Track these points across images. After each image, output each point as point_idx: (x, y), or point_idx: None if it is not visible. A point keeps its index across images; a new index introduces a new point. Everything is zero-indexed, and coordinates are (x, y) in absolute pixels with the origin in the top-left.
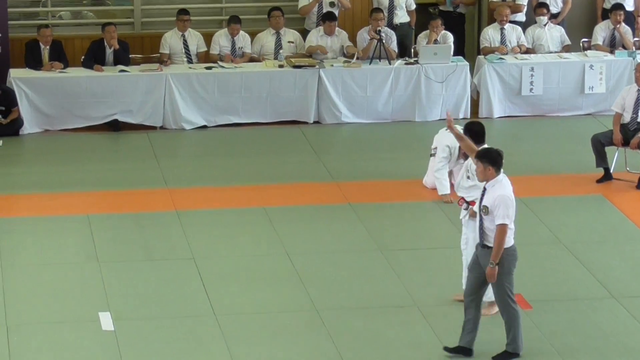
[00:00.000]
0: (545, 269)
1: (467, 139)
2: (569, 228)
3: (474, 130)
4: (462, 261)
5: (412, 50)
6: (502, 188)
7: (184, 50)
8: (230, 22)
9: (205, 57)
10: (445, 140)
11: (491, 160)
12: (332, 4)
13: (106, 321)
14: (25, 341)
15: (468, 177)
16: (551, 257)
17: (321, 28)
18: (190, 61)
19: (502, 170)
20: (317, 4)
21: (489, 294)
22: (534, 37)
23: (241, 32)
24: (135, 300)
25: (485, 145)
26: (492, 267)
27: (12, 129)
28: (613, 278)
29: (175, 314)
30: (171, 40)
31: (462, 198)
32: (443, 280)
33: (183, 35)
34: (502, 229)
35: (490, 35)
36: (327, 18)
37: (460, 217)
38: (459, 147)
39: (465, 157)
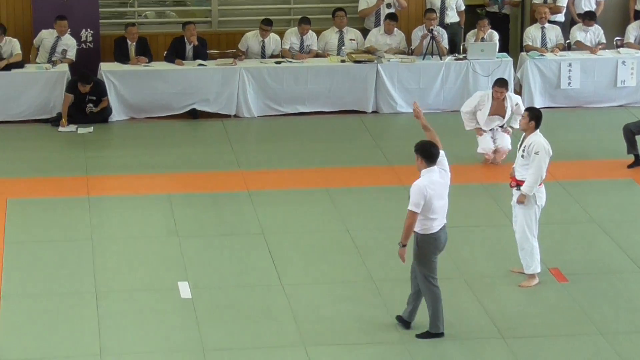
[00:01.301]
0: (581, 245)
1: (432, 131)
2: (602, 209)
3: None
4: (515, 239)
5: (461, 47)
6: (422, 179)
7: (260, 52)
8: (301, 22)
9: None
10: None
11: (422, 152)
12: (388, 5)
13: (184, 290)
14: (112, 306)
15: (522, 157)
16: (586, 235)
17: (382, 27)
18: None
19: (435, 163)
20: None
21: (532, 267)
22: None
23: (310, 31)
24: (211, 271)
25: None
26: (400, 248)
27: (102, 116)
28: None
29: (246, 283)
30: (251, 42)
31: (513, 178)
32: (487, 255)
33: (263, 41)
34: (408, 214)
35: (532, 34)
36: (389, 17)
37: (512, 202)
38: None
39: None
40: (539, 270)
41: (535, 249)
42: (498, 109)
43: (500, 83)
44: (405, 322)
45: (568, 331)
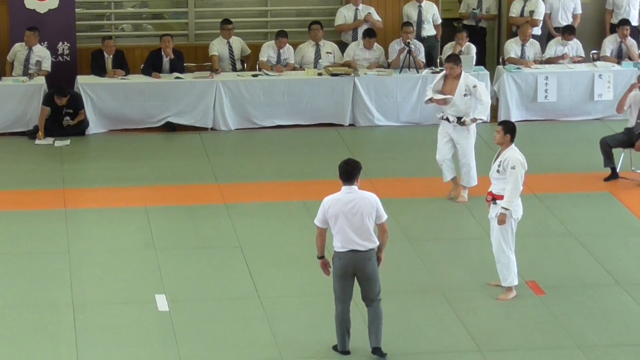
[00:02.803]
0: (557, 258)
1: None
2: (579, 222)
3: None
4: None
5: (438, 60)
6: (333, 194)
7: (229, 55)
8: (279, 35)
9: (252, 61)
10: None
11: (340, 171)
12: (366, 21)
13: (162, 302)
14: (89, 319)
15: (497, 171)
16: (562, 248)
17: (361, 42)
18: (234, 64)
19: (346, 181)
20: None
21: (509, 279)
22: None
23: (287, 44)
24: (188, 284)
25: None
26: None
27: (79, 129)
28: (619, 267)
29: (223, 296)
30: (218, 47)
31: (490, 192)
32: (464, 268)
33: (228, 42)
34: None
35: (512, 48)
36: (367, 35)
37: (488, 216)
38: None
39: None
40: (516, 283)
41: (512, 261)
42: (451, 87)
43: (449, 58)
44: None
45: (545, 344)
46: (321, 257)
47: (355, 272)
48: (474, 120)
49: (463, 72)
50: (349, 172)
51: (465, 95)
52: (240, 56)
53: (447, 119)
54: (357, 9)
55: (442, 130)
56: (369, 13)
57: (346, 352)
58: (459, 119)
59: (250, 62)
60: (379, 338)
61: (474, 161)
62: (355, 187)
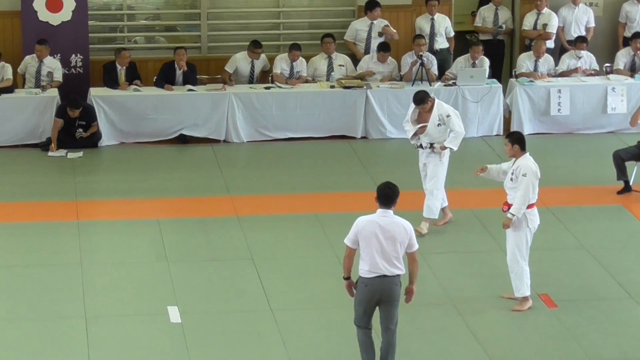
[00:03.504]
0: (570, 271)
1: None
2: (592, 235)
3: None
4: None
5: (446, 74)
6: (369, 215)
7: (249, 73)
8: (292, 48)
9: (266, 74)
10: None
11: (378, 194)
12: (380, 34)
13: (174, 314)
14: (102, 331)
15: (511, 179)
16: (575, 261)
17: (375, 55)
18: (251, 81)
19: (384, 205)
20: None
21: (521, 290)
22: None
23: (300, 57)
24: (200, 296)
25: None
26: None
27: (92, 141)
28: (632, 280)
29: (235, 308)
30: (240, 63)
31: (506, 202)
32: (477, 280)
33: (252, 62)
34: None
35: (525, 63)
36: (382, 49)
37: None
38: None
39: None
40: (528, 293)
41: (525, 272)
42: (425, 117)
43: (415, 102)
44: None
45: (558, 357)
46: (347, 278)
47: (380, 298)
48: (443, 147)
49: (437, 102)
50: (389, 196)
51: (438, 124)
52: (258, 73)
53: (421, 146)
54: (372, 23)
55: (420, 160)
56: (386, 25)
57: None
58: (431, 144)
59: (266, 79)
60: None
61: (442, 193)
62: (391, 212)
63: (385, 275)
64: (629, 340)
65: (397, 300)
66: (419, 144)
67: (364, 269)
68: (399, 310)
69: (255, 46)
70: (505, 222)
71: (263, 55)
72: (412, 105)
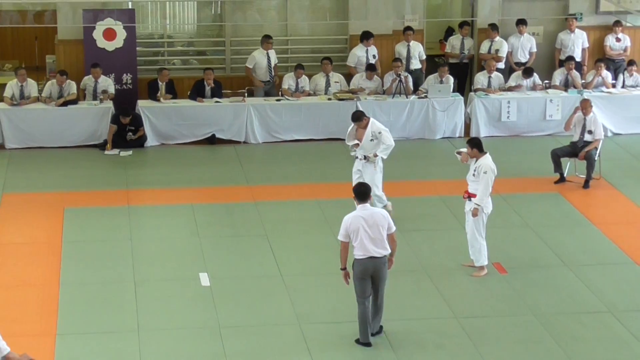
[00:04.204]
0: (517, 245)
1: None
2: (535, 216)
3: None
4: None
5: (419, 89)
6: (351, 213)
7: (267, 64)
8: (297, 68)
9: (276, 83)
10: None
11: (355, 193)
12: (374, 56)
13: (204, 279)
14: (147, 292)
15: (473, 175)
16: (521, 236)
17: (364, 73)
18: (270, 72)
19: (362, 200)
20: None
21: (480, 260)
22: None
23: (303, 75)
24: (225, 264)
25: None
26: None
27: (139, 142)
28: (566, 252)
29: (253, 274)
30: (257, 58)
31: (466, 192)
32: (444, 252)
33: (267, 53)
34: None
35: (480, 79)
36: (369, 69)
37: (464, 210)
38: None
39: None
40: (486, 263)
41: (483, 246)
42: (361, 133)
43: (353, 119)
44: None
45: (508, 312)
46: (344, 269)
47: (372, 274)
48: (375, 155)
49: (371, 121)
50: (364, 193)
51: (372, 140)
52: (274, 64)
53: (357, 157)
54: (367, 49)
55: (355, 167)
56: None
57: (368, 344)
58: (365, 156)
59: (276, 71)
60: (379, 325)
61: (379, 192)
62: (368, 205)
63: (374, 257)
64: (564, 298)
65: (386, 274)
66: (356, 155)
67: (359, 254)
68: None
69: (267, 38)
70: (473, 212)
71: (273, 50)
72: (352, 125)
